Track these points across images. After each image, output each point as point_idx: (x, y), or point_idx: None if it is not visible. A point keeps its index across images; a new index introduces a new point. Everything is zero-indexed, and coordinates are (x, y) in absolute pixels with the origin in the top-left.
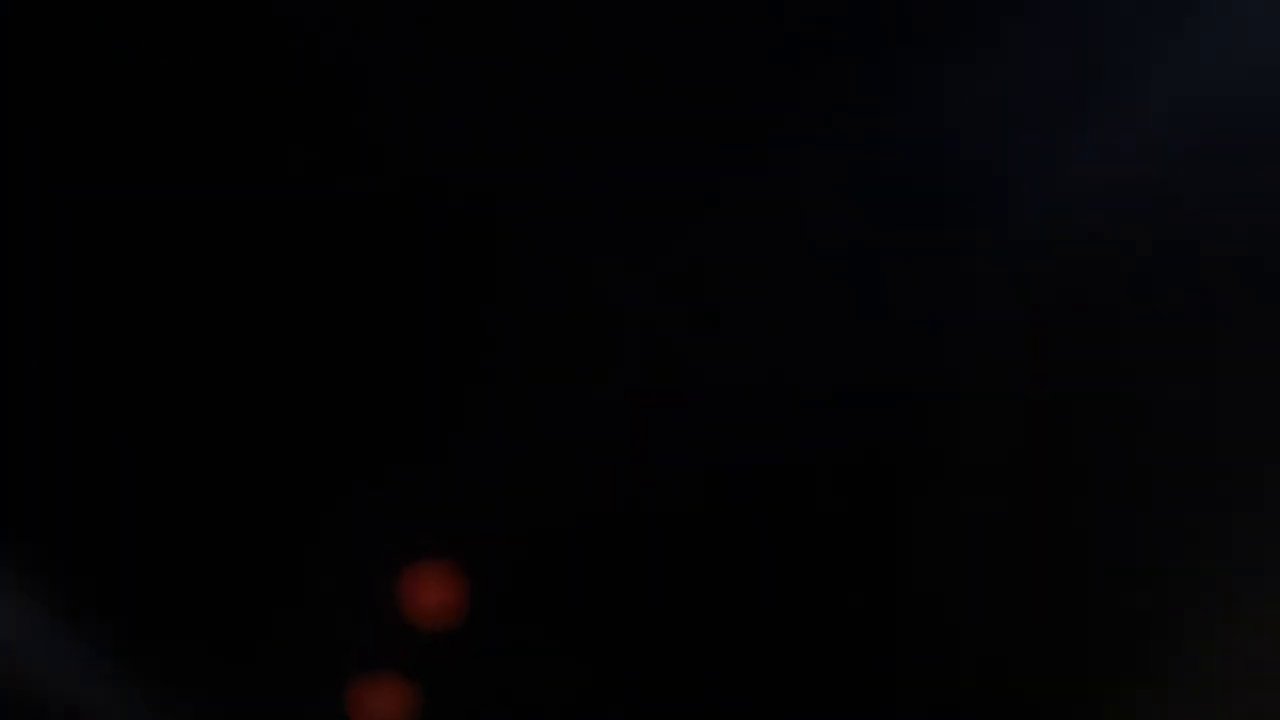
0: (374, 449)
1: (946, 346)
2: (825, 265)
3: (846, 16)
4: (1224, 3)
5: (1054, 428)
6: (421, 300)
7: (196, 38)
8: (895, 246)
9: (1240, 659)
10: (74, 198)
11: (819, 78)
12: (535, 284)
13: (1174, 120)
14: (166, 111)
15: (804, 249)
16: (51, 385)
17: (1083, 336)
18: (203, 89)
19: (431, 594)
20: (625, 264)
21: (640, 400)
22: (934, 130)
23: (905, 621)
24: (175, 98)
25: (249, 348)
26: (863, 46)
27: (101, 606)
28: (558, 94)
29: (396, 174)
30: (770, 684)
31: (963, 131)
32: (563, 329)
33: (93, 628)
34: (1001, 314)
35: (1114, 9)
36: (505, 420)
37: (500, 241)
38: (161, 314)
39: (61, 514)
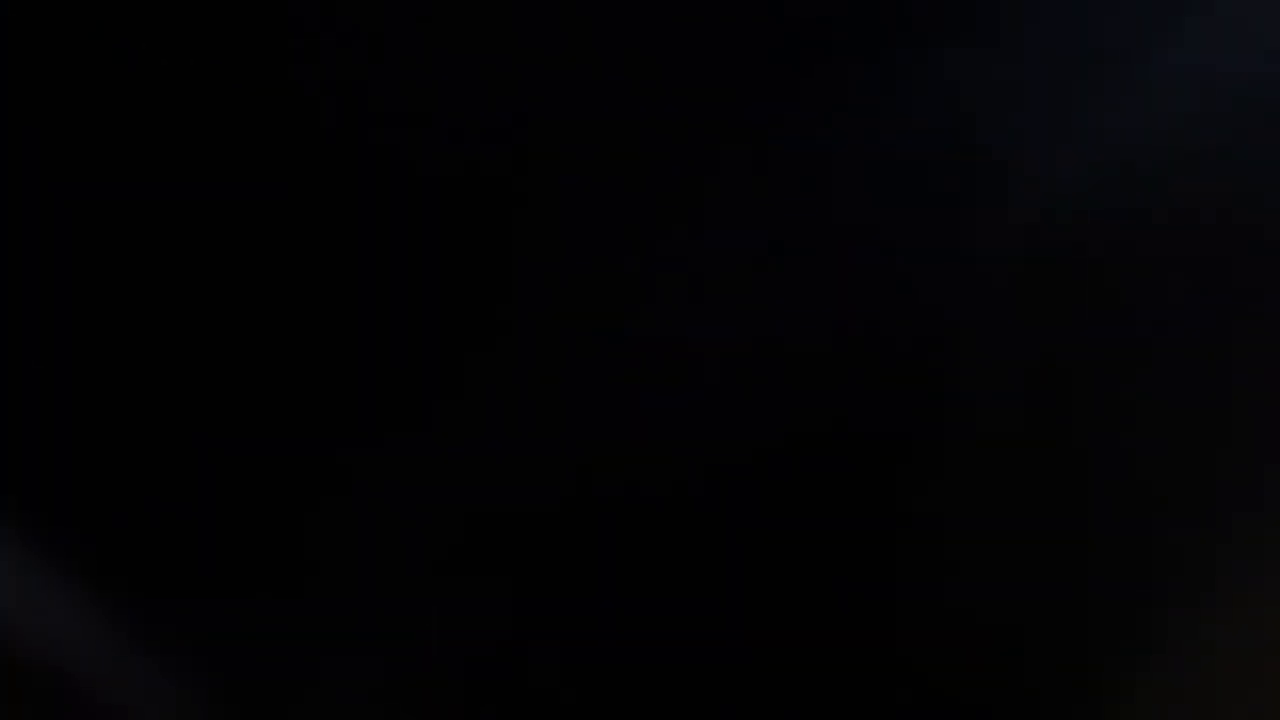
0: (372, 432)
1: (948, 329)
2: (828, 248)
3: (846, 14)
4: None
5: (1054, 412)
6: (419, 289)
7: (196, 37)
8: (897, 229)
9: (1240, 652)
10: (72, 184)
11: (819, 71)
12: (535, 274)
13: (1179, 104)
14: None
15: (806, 231)
16: (54, 378)
17: (1086, 320)
18: (202, 88)
19: None
20: (624, 252)
21: (639, 384)
22: (936, 113)
23: (903, 606)
24: (175, 96)
25: (251, 331)
26: (863, 41)
27: (103, 575)
28: (559, 92)
29: (392, 162)
30: (769, 670)
31: (965, 115)
32: (561, 320)
33: (95, 596)
34: (1004, 297)
35: None
36: (503, 405)
37: (497, 234)
38: (165, 297)
39: (64, 484)
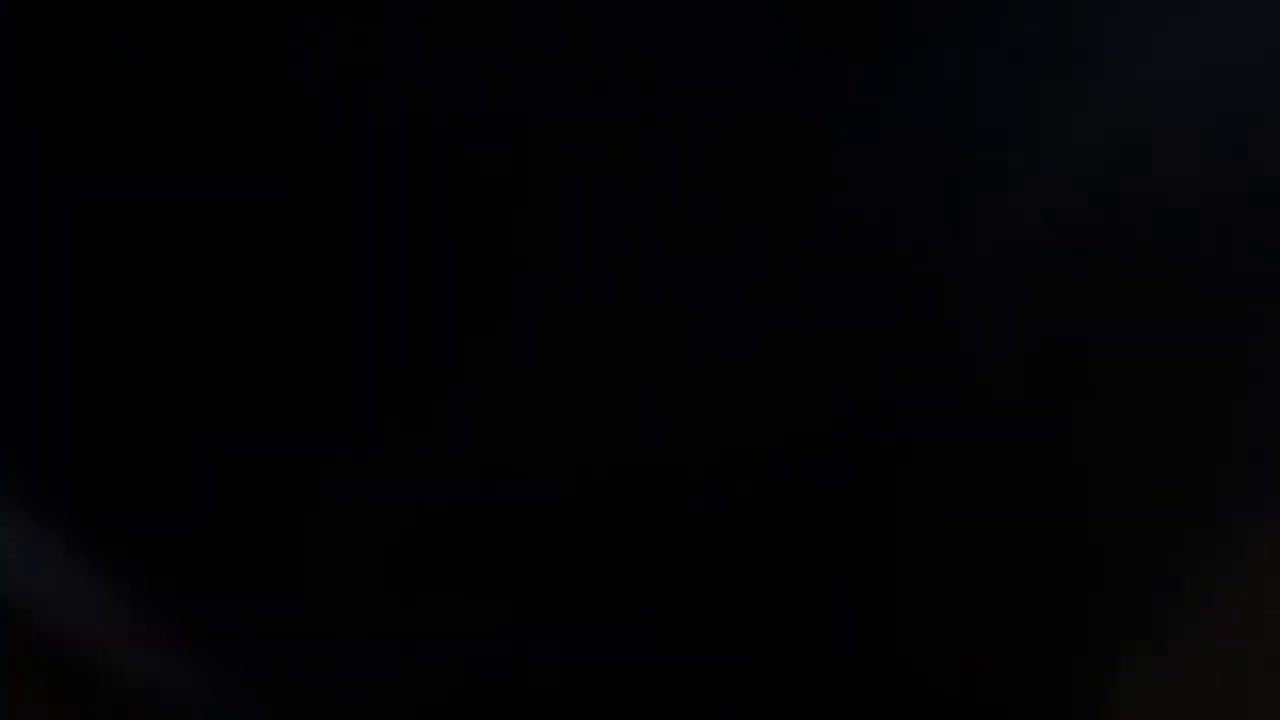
0: (372, 425)
1: (949, 320)
2: (828, 241)
3: (847, 14)
4: None
5: (1059, 388)
6: (417, 287)
7: (197, 33)
8: (899, 213)
9: (1243, 610)
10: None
11: (820, 68)
12: (536, 270)
13: (1177, 87)
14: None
15: (806, 226)
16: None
17: (1086, 312)
18: (202, 82)
19: None
20: (626, 245)
21: (641, 377)
22: (936, 98)
23: (902, 601)
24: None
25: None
26: (863, 39)
27: (110, 562)
28: (561, 89)
29: (389, 156)
30: (769, 658)
31: (965, 107)
32: (562, 315)
33: (104, 583)
34: (1006, 288)
35: None
36: (503, 402)
37: (497, 231)
38: (166, 293)
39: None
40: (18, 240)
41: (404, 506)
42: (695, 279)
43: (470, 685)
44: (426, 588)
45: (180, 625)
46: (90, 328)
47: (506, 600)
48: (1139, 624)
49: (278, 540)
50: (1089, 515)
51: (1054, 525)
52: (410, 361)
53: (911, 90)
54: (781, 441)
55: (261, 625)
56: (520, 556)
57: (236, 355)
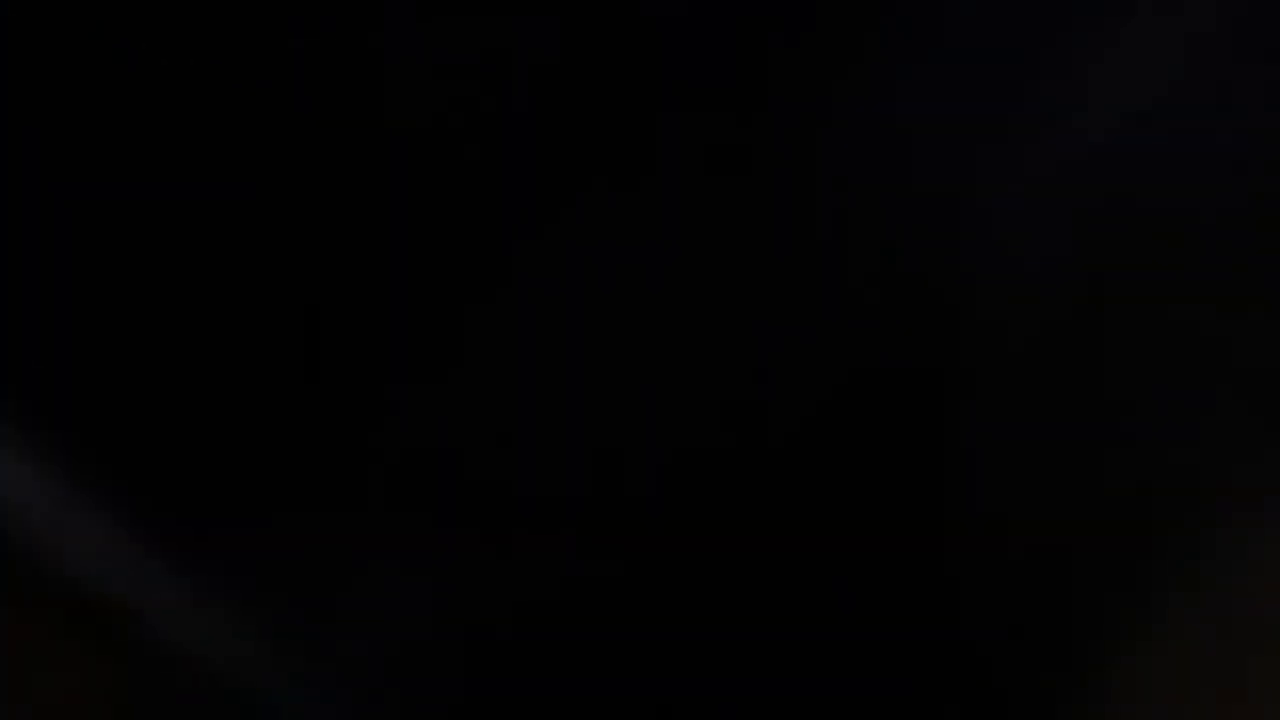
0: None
1: (952, 309)
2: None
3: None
4: None
5: (1056, 388)
6: (415, 274)
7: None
8: (901, 207)
9: (1243, 610)
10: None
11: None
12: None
13: (1194, 52)
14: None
15: (814, 211)
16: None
17: (1091, 303)
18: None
19: None
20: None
21: (670, 343)
22: (935, 91)
23: (903, 583)
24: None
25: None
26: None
27: (133, 496)
28: (560, 72)
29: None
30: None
31: (965, 93)
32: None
33: (125, 516)
34: (1009, 281)
35: None
36: (520, 373)
37: (496, 221)
38: (183, 263)
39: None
40: (18, 229)
41: (439, 460)
42: (711, 269)
43: (508, 636)
44: (461, 541)
45: (206, 556)
46: (104, 298)
47: (545, 554)
48: (1139, 624)
49: (316, 482)
50: (1089, 516)
51: (1053, 526)
52: (416, 339)
53: (911, 83)
54: (779, 438)
55: (298, 565)
56: (562, 514)
57: (271, 304)
